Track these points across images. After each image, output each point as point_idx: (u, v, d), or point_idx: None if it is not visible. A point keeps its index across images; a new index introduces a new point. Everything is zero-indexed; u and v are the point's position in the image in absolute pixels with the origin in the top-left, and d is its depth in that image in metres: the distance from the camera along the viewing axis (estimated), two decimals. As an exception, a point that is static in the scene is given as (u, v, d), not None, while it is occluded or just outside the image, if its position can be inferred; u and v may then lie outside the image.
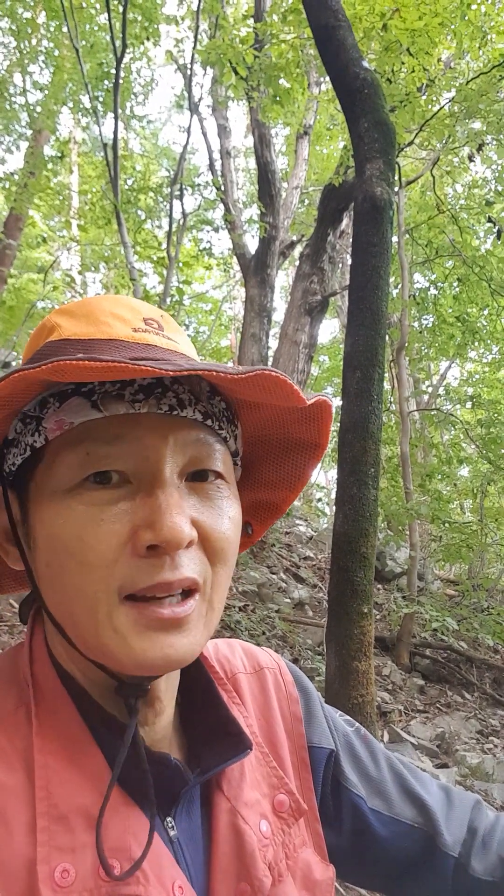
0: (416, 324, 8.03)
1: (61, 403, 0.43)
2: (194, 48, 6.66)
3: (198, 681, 0.56)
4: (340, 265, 8.21)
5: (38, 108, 8.96)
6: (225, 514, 0.47)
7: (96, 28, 7.78)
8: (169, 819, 0.48)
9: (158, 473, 0.43)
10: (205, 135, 8.94)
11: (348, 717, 0.67)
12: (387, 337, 3.93)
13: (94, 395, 0.43)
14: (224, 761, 0.51)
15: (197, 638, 0.45)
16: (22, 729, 0.45)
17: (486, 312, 7.68)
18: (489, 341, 8.03)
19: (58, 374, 0.39)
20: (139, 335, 0.48)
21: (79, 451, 0.43)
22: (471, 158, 6.71)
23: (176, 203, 7.26)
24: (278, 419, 0.53)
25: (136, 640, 0.42)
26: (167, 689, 0.51)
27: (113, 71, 6.73)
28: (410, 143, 6.00)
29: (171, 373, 0.39)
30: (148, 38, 7.39)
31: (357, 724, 0.67)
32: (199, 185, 8.17)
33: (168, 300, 6.43)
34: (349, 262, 4.22)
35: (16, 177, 8.75)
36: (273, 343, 8.08)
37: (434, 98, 5.85)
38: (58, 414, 0.43)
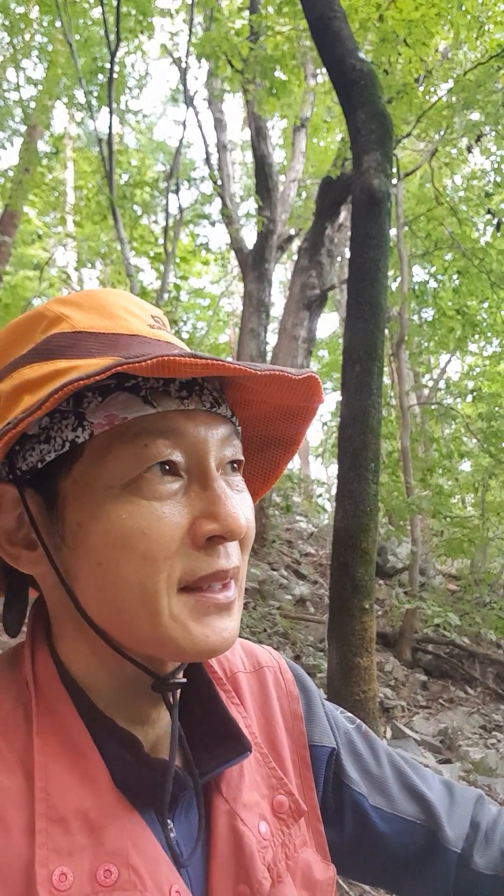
0: (415, 317, 8.00)
1: (104, 398, 0.43)
2: (189, 41, 6.62)
3: (197, 681, 0.55)
4: (339, 258, 8.19)
5: (32, 104, 8.93)
6: (249, 504, 0.49)
7: (90, 22, 7.74)
8: (168, 821, 0.48)
9: (209, 467, 0.45)
10: (201, 128, 8.89)
11: (349, 714, 0.67)
12: (386, 330, 3.91)
13: (140, 390, 0.43)
14: (223, 764, 0.51)
15: (238, 621, 0.48)
16: (21, 729, 0.44)
17: (486, 305, 7.65)
18: (489, 334, 7.99)
19: (162, 369, 0.40)
20: (156, 332, 0.49)
21: (136, 445, 0.43)
22: (469, 149, 6.68)
23: (172, 198, 7.25)
24: (263, 417, 0.54)
25: (196, 627, 0.44)
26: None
27: (107, 65, 6.69)
28: (408, 135, 5.97)
29: (259, 372, 0.43)
30: (142, 32, 7.33)
31: (358, 720, 0.67)
32: (195, 179, 8.15)
33: (165, 296, 6.41)
34: (348, 255, 4.20)
35: (10, 173, 8.71)
36: (272, 338, 8.06)
37: (431, 89, 5.83)
38: (105, 409, 0.43)
